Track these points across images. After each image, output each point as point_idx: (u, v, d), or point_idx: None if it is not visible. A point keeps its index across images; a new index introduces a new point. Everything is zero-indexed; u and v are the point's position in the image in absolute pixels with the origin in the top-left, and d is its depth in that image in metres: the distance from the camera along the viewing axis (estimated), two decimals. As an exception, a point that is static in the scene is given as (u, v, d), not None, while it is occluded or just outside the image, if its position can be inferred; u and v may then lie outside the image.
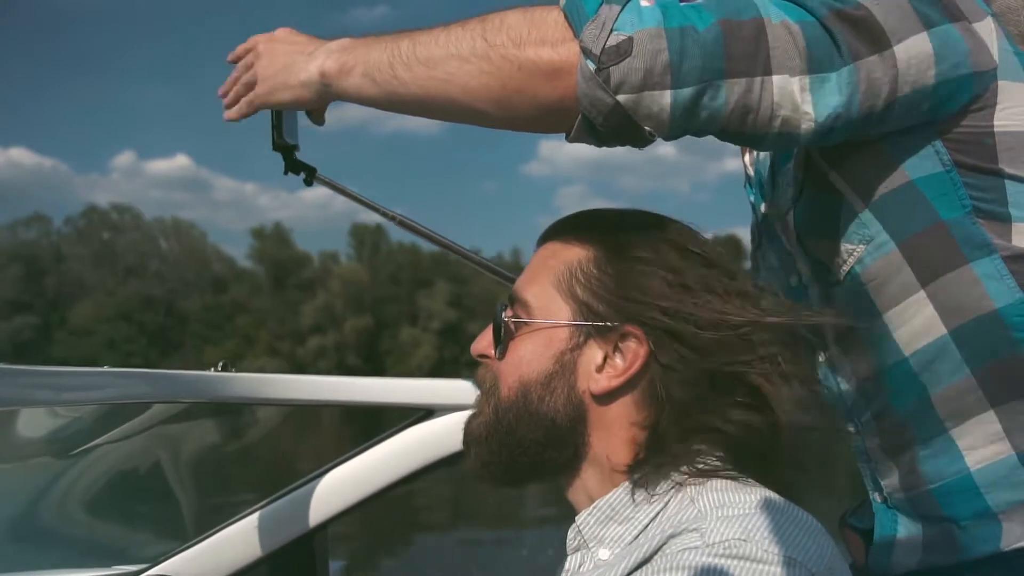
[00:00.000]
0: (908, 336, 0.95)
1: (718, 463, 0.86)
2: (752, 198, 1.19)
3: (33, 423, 1.43)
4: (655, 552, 0.80)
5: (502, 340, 0.92)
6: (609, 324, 0.87)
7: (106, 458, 1.72)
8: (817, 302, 1.04)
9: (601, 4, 0.84)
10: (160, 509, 1.87)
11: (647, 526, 0.85)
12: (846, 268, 0.97)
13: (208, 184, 77.64)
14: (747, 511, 0.80)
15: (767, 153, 1.13)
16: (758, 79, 0.83)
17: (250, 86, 1.05)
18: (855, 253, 0.95)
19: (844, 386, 1.04)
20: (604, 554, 0.86)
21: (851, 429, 1.06)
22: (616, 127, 0.84)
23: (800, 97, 0.83)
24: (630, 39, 0.81)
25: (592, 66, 0.82)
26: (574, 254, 0.91)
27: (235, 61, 1.09)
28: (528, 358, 0.90)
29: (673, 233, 0.91)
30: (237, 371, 1.34)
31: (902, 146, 0.92)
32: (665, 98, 0.82)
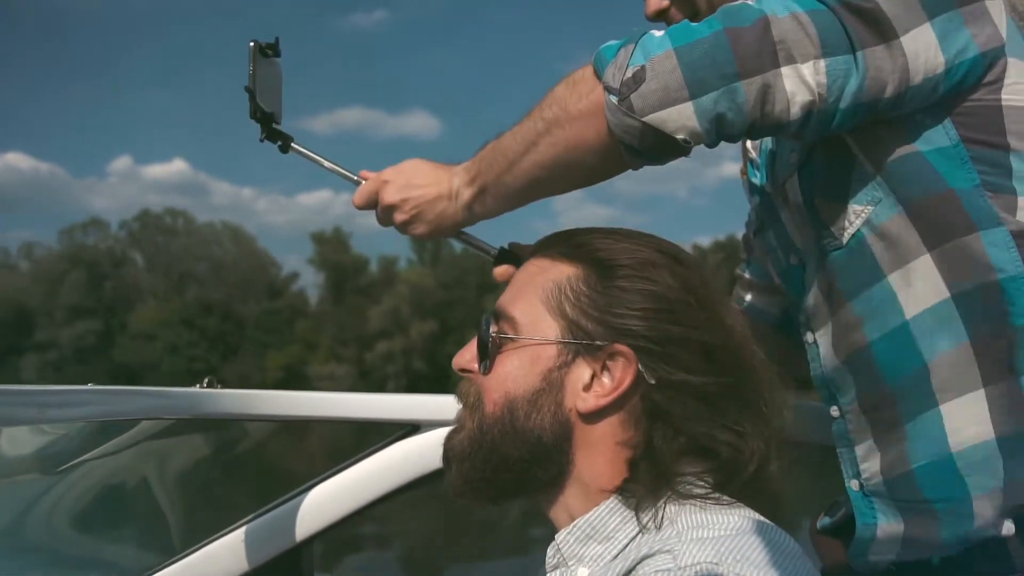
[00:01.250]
0: (911, 299, 0.96)
1: (702, 483, 0.87)
2: (756, 180, 1.22)
3: (18, 440, 1.43)
4: (629, 572, 0.80)
5: (488, 355, 0.92)
6: (598, 343, 0.88)
7: (92, 474, 1.72)
8: (814, 280, 1.06)
9: (620, 48, 0.94)
10: (145, 524, 1.86)
11: (627, 545, 0.85)
12: (852, 230, 0.99)
13: (205, 188, 77.12)
14: (723, 533, 0.80)
15: None
16: (770, 73, 0.89)
17: (408, 224, 1.18)
18: (863, 214, 0.98)
19: (833, 363, 1.06)
20: (583, 572, 0.86)
21: (834, 412, 1.07)
22: (655, 145, 0.93)
23: (814, 80, 0.89)
24: (643, 67, 0.91)
25: (615, 99, 0.92)
26: (562, 271, 0.92)
27: (365, 207, 1.20)
28: (515, 374, 0.90)
29: (663, 252, 0.92)
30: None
31: (913, 119, 0.95)
32: (688, 109, 0.90)
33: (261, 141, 1.22)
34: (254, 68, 1.17)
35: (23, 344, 46.41)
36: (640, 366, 0.86)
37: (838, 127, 0.93)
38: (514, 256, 1.24)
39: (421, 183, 1.15)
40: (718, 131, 0.92)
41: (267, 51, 1.20)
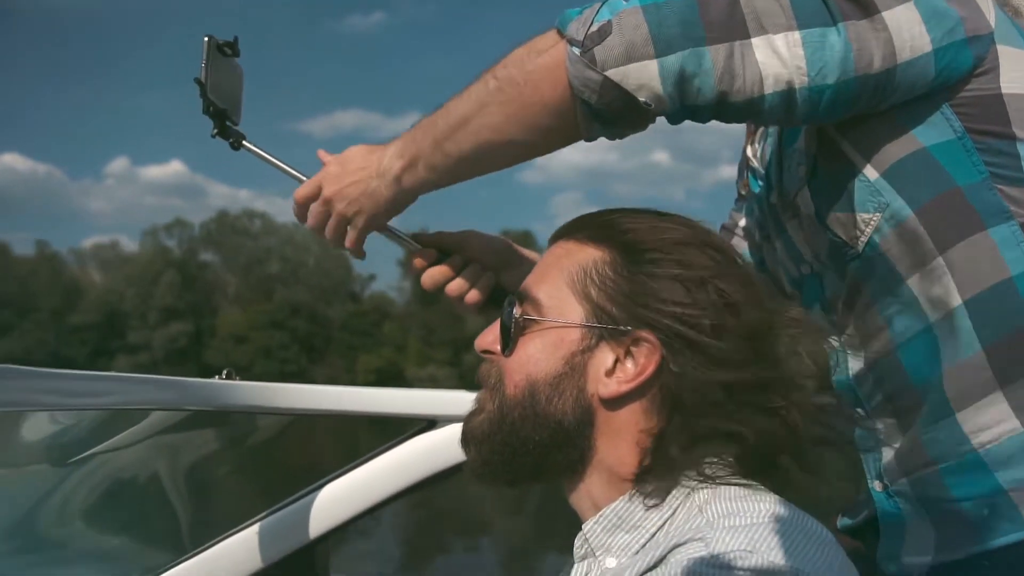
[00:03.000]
0: (930, 304, 0.94)
1: (729, 471, 0.85)
2: (757, 190, 1.19)
3: (32, 429, 1.42)
4: (660, 561, 0.79)
5: (511, 337, 0.90)
6: (622, 328, 0.86)
7: (104, 466, 1.71)
8: (833, 287, 1.04)
9: (585, 8, 0.92)
10: (158, 519, 1.85)
11: (654, 534, 0.83)
12: (864, 239, 0.97)
13: (203, 190, 77.36)
14: (755, 521, 0.78)
15: (772, 141, 1.14)
16: (738, 43, 0.87)
17: (347, 217, 1.12)
18: (872, 222, 0.96)
19: (858, 367, 1.04)
20: (611, 563, 0.85)
21: (860, 412, 1.04)
22: (612, 104, 0.90)
23: (789, 52, 0.87)
24: (609, 22, 0.89)
25: (577, 51, 0.89)
26: (589, 255, 0.90)
27: (307, 201, 1.14)
28: (537, 357, 0.88)
29: (693, 236, 0.89)
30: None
31: (911, 113, 0.93)
32: (652, 67, 0.87)
33: (213, 137, 1.19)
34: (207, 62, 1.14)
35: (112, 346, 46.39)
36: (664, 353, 0.84)
37: (831, 109, 0.90)
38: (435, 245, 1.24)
39: (355, 167, 1.10)
40: (683, 98, 0.89)
41: (224, 49, 1.17)
